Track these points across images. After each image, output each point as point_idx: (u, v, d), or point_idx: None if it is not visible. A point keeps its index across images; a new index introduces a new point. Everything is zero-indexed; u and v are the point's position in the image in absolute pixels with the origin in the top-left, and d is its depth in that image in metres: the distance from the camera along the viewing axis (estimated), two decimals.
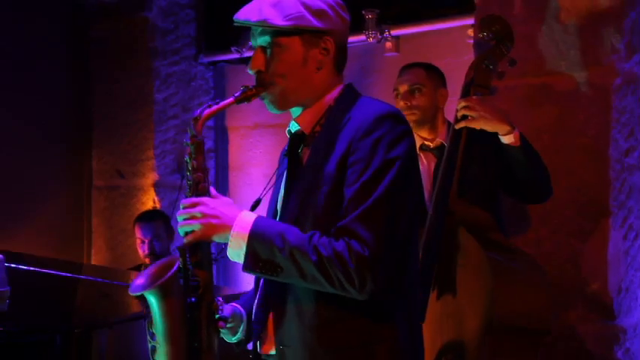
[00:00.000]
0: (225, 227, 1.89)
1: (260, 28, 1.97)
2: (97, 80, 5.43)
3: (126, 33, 5.24)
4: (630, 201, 3.41)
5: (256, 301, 2.05)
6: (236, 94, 1.98)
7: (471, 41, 3.96)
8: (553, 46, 3.49)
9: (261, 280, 2.03)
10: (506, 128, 2.99)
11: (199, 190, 1.96)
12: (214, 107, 1.98)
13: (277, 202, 2.07)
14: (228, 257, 1.92)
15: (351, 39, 4.82)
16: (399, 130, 1.90)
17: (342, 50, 2.04)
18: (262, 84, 1.98)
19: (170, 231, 4.63)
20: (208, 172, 1.99)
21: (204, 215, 1.90)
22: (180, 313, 1.93)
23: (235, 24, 2.01)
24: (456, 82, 3.44)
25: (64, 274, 3.69)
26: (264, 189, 2.11)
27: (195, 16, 5.28)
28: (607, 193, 3.36)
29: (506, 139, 3.00)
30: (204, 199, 1.93)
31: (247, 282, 4.10)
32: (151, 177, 5.21)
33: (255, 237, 1.86)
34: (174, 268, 1.93)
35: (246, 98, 1.98)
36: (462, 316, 2.87)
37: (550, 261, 3.38)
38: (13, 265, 3.53)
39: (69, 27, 5.43)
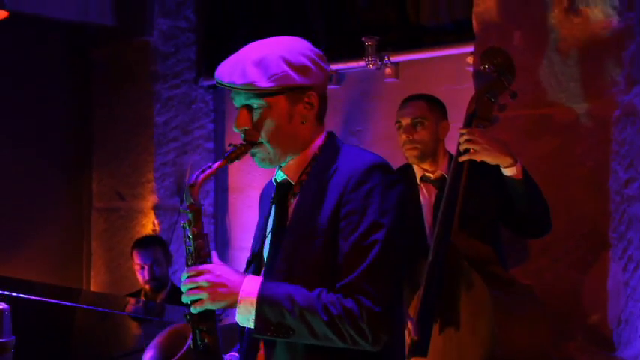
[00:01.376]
0: (233, 294, 1.90)
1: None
2: (98, 103, 5.45)
3: (126, 56, 5.26)
4: (630, 232, 3.42)
5: (244, 344, 2.06)
6: (226, 154, 1.98)
7: (471, 69, 3.98)
8: (552, 78, 3.50)
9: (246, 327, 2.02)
10: (509, 161, 2.99)
11: (202, 256, 1.96)
12: (208, 172, 1.97)
13: (261, 249, 2.08)
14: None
15: (351, 65, 4.90)
16: (389, 180, 1.93)
17: (323, 100, 2.05)
18: (250, 141, 1.98)
19: (168, 256, 4.64)
20: (208, 237, 1.99)
21: (211, 284, 1.91)
22: None
23: (219, 84, 2.01)
24: (454, 109, 3.46)
25: (64, 302, 3.67)
26: (255, 244, 2.10)
27: (196, 40, 5.30)
28: (606, 225, 3.37)
29: (508, 172, 3.01)
30: (209, 266, 1.94)
31: None
32: (151, 200, 5.22)
33: (264, 301, 1.87)
34: (189, 341, 1.93)
35: (237, 157, 1.98)
36: (464, 350, 2.88)
37: (550, 292, 3.39)
38: (14, 294, 3.56)
39: (69, 50, 5.45)
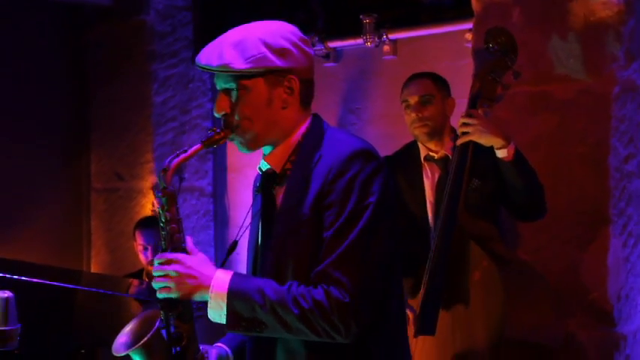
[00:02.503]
0: (202, 287, 1.87)
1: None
2: (95, 83, 5.42)
3: (123, 36, 5.23)
4: (630, 208, 3.43)
5: (249, 345, 2.04)
6: (203, 139, 1.93)
7: (469, 45, 3.97)
8: (552, 54, 3.49)
9: None
10: (501, 142, 2.99)
11: (175, 241, 1.92)
12: (182, 156, 1.93)
13: (257, 240, 2.05)
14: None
15: (349, 42, 4.88)
16: (370, 168, 1.87)
17: (307, 86, 1.99)
18: (229, 127, 1.93)
19: None
20: (182, 222, 1.95)
21: (180, 275, 1.87)
22: None
23: (198, 67, 1.97)
24: (453, 86, 3.45)
25: (63, 284, 3.67)
26: (239, 231, 2.06)
27: (192, 18, 5.27)
28: (607, 201, 3.37)
29: (499, 153, 3.00)
30: (180, 256, 1.90)
31: None
32: (150, 180, 5.20)
33: (234, 295, 1.84)
34: (156, 325, 1.92)
35: (214, 142, 1.93)
36: (472, 328, 2.89)
37: (550, 268, 3.40)
38: (13, 277, 3.56)
39: (66, 30, 5.42)
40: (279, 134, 1.96)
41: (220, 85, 1.96)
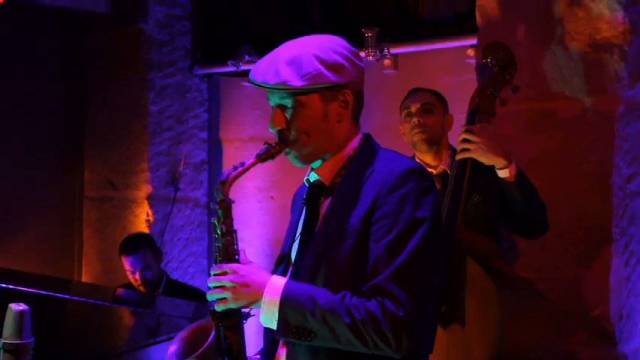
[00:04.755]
0: (256, 295, 1.90)
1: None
2: (92, 91, 5.39)
3: (121, 44, 5.20)
4: (632, 227, 3.43)
5: (264, 346, 2.06)
6: (259, 153, 1.97)
7: (471, 61, 3.97)
8: (557, 72, 3.50)
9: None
10: (503, 162, 2.99)
11: (229, 253, 1.96)
12: (240, 169, 1.96)
13: (290, 250, 2.06)
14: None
15: None
16: (424, 186, 1.90)
17: (359, 98, 2.03)
18: (285, 142, 1.98)
19: (158, 254, 4.55)
20: (237, 233, 1.98)
21: (235, 284, 1.90)
22: None
23: (253, 84, 2.00)
24: (454, 101, 3.46)
25: (59, 295, 3.63)
26: (285, 243, 2.09)
27: (191, 28, 5.25)
28: (609, 220, 3.37)
29: (501, 174, 3.00)
30: (234, 266, 1.93)
31: None
32: (145, 189, 5.17)
33: (287, 302, 1.86)
34: (211, 337, 1.94)
35: (270, 156, 1.97)
36: (469, 347, 2.87)
37: (551, 286, 3.39)
38: (10, 287, 3.51)
39: (63, 37, 5.38)
40: (333, 147, 2.00)
41: (275, 101, 1.99)
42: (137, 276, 4.41)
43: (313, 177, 2.04)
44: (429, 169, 3.27)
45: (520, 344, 2.86)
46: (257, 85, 1.97)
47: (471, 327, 2.87)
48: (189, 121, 5.27)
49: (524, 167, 3.30)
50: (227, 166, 5.35)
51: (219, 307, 1.92)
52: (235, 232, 1.98)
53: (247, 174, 5.55)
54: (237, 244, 1.97)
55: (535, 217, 3.09)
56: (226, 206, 1.96)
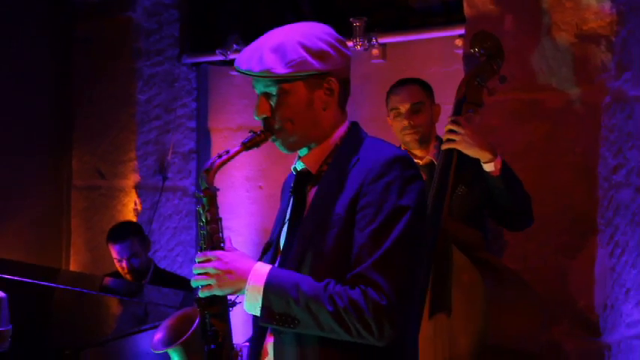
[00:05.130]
0: (240, 282, 1.90)
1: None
2: (79, 79, 5.35)
3: (109, 33, 5.16)
4: (617, 218, 3.44)
5: (252, 334, 2.05)
6: (244, 141, 1.97)
7: (459, 51, 3.96)
8: (543, 62, 3.49)
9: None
10: (488, 156, 2.99)
11: (214, 241, 1.96)
12: (224, 157, 1.97)
13: (278, 238, 2.07)
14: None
15: None
16: (409, 174, 1.90)
17: (345, 86, 2.03)
18: (270, 129, 1.97)
19: (146, 242, 4.55)
20: (221, 221, 1.99)
21: (219, 271, 1.90)
22: None
23: (238, 72, 2.00)
24: (442, 91, 3.45)
25: (44, 283, 3.62)
26: (274, 231, 2.09)
27: (179, 17, 5.21)
28: (595, 210, 3.37)
29: (486, 167, 3.01)
30: (218, 253, 1.94)
31: None
32: (133, 178, 5.15)
33: (270, 289, 1.86)
34: (195, 323, 1.94)
35: (255, 144, 1.97)
36: (454, 336, 2.88)
37: (536, 277, 3.40)
38: None
39: (52, 26, 5.34)
40: (319, 135, 2.00)
41: (260, 89, 1.99)
42: (124, 264, 4.40)
43: (300, 165, 2.04)
44: (416, 160, 3.26)
45: (505, 334, 2.87)
46: (242, 72, 1.97)
47: (457, 316, 2.88)
48: (177, 110, 5.25)
49: (511, 158, 3.30)
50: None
51: (202, 294, 1.92)
52: (220, 219, 1.98)
53: (235, 163, 5.54)
54: (222, 232, 1.97)
55: (520, 210, 3.09)
56: (211, 194, 1.96)
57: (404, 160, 1.92)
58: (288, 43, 1.94)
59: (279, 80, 1.94)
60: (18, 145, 5.19)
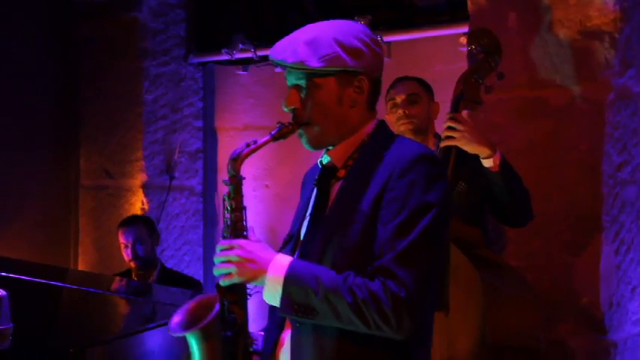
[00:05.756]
0: (261, 271, 1.90)
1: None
2: (86, 79, 5.37)
3: (115, 33, 5.18)
4: (622, 215, 3.42)
5: (268, 324, 2.07)
6: (273, 132, 1.97)
7: (464, 49, 3.95)
8: (547, 60, 3.49)
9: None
10: (487, 152, 2.99)
11: (237, 229, 1.97)
12: (253, 146, 1.97)
13: (299, 230, 2.07)
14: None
15: None
16: (434, 172, 1.91)
17: (376, 86, 2.04)
18: (299, 121, 1.99)
19: (154, 235, 4.59)
20: (246, 211, 1.99)
21: (241, 259, 1.91)
22: (218, 352, 1.97)
23: (271, 63, 2.02)
24: (447, 89, 3.44)
25: (51, 282, 3.64)
26: (294, 224, 2.10)
27: (186, 17, 5.23)
28: (600, 208, 3.36)
29: (485, 163, 3.00)
30: (241, 241, 1.94)
31: None
32: (140, 178, 5.17)
33: (291, 280, 1.87)
34: (215, 310, 1.95)
35: (282, 135, 1.98)
36: (453, 334, 2.87)
37: (542, 274, 3.40)
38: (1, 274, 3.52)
39: (58, 26, 5.36)
40: (345, 132, 2.01)
41: (292, 81, 2.00)
42: (129, 250, 4.45)
43: (326, 159, 2.05)
44: None
45: (504, 331, 2.87)
46: (276, 63, 2.00)
47: (455, 315, 2.88)
48: (183, 109, 5.26)
49: (514, 155, 3.30)
50: (222, 154, 5.35)
51: (224, 282, 1.93)
52: (245, 208, 1.99)
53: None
54: (246, 221, 1.98)
55: (519, 206, 3.09)
56: (237, 182, 1.97)
57: (430, 157, 1.93)
58: (323, 37, 1.95)
59: (311, 73, 1.95)
60: (26, 145, 5.22)
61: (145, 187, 5.16)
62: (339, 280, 1.84)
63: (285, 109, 2.01)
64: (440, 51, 4.30)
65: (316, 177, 2.08)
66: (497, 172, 2.98)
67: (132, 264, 4.51)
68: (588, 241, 3.38)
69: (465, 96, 3.10)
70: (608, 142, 3.37)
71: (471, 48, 3.16)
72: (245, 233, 1.97)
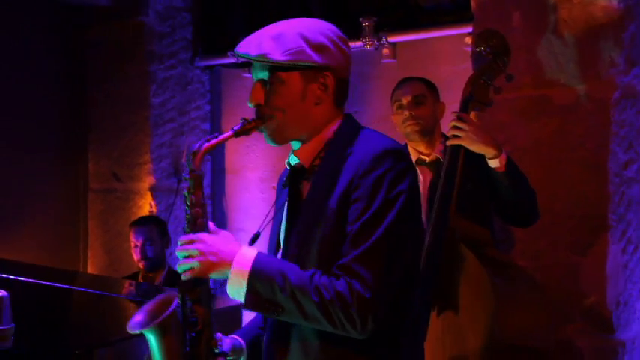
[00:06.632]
0: (224, 264, 1.87)
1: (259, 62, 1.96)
2: (94, 83, 5.40)
3: (122, 37, 5.21)
4: (629, 214, 3.41)
5: (265, 336, 2.05)
6: (235, 128, 1.96)
7: (469, 49, 3.95)
8: (552, 59, 3.48)
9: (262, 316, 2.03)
10: (492, 152, 2.98)
11: (198, 225, 1.94)
12: (213, 141, 1.96)
13: (278, 234, 2.07)
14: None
15: None
16: (400, 168, 1.88)
17: (342, 85, 2.02)
18: (261, 117, 1.96)
19: (166, 236, 4.62)
20: (207, 206, 1.97)
21: (202, 253, 1.88)
22: (179, 350, 1.93)
23: (236, 57, 1.99)
24: (452, 90, 3.45)
25: (58, 284, 3.65)
26: (263, 222, 2.08)
27: (192, 20, 5.26)
28: (606, 207, 3.36)
29: (491, 163, 3.00)
30: (202, 235, 1.91)
31: None
32: (148, 181, 5.19)
33: (256, 275, 1.84)
34: (173, 305, 1.92)
35: (245, 131, 1.96)
36: (463, 333, 2.87)
37: (549, 274, 3.39)
38: (3, 276, 3.54)
39: (65, 30, 5.39)
40: (309, 130, 1.99)
41: (256, 75, 1.99)
42: (138, 250, 4.47)
43: (293, 160, 2.04)
44: (422, 157, 3.27)
45: (513, 331, 2.86)
46: (239, 56, 1.97)
47: (465, 314, 2.87)
48: (191, 112, 5.28)
49: (520, 155, 3.30)
50: (231, 158, 5.36)
51: (185, 277, 1.90)
52: (205, 204, 1.97)
53: (249, 165, 5.56)
54: (206, 217, 1.95)
55: (525, 206, 3.08)
56: (197, 177, 1.95)
57: (395, 152, 1.90)
58: (288, 32, 1.94)
59: (275, 67, 1.94)
60: (36, 149, 5.26)
61: (153, 190, 5.18)
62: (306, 278, 1.83)
63: (250, 105, 1.99)
64: (445, 51, 4.30)
65: (284, 179, 2.07)
66: (503, 173, 2.98)
67: (140, 264, 4.53)
68: (595, 240, 3.38)
69: (474, 97, 3.09)
70: (614, 140, 3.36)
71: (480, 49, 3.14)
72: (205, 229, 1.93)
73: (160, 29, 5.14)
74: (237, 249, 1.89)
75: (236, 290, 1.87)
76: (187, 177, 1.96)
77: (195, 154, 1.95)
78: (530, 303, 2.94)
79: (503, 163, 2.97)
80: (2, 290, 1.98)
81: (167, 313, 1.91)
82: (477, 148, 2.98)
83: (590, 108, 3.40)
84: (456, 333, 2.89)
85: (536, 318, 2.93)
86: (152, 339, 1.93)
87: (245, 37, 2.02)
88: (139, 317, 1.95)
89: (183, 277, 1.90)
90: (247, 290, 1.84)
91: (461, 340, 2.88)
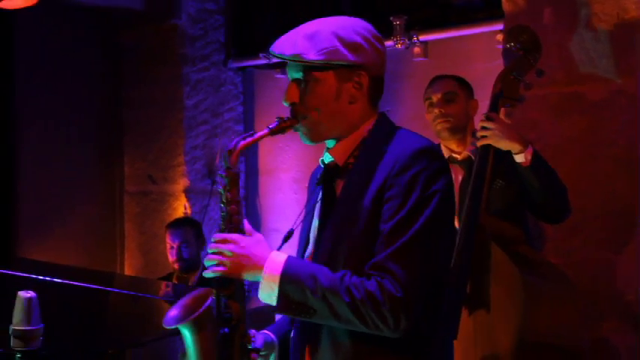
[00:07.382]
0: (256, 268, 1.88)
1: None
2: (128, 87, 5.47)
3: (156, 40, 5.27)
4: None
5: (293, 332, 2.06)
6: (270, 126, 1.97)
7: (500, 47, 3.93)
8: (584, 55, 3.45)
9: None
10: (518, 147, 2.96)
11: (233, 222, 1.94)
12: (249, 139, 1.96)
13: (309, 231, 2.07)
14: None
15: None
16: (435, 167, 1.88)
17: (377, 83, 2.01)
18: (296, 116, 1.97)
19: (201, 238, 4.67)
20: (242, 203, 1.97)
21: (234, 254, 1.89)
22: (213, 345, 1.93)
23: (271, 56, 2.02)
24: (485, 87, 3.42)
25: (92, 286, 3.70)
26: (296, 220, 2.09)
27: (224, 22, 5.30)
28: (638, 203, 3.32)
29: (517, 158, 2.98)
30: (236, 236, 1.91)
31: None
32: (182, 183, 5.24)
33: (287, 279, 1.85)
34: (209, 301, 1.93)
35: (281, 130, 1.97)
36: (495, 332, 2.85)
37: (582, 271, 3.36)
38: (40, 278, 3.59)
39: (100, 35, 5.47)
40: (343, 128, 1.99)
41: (291, 74, 2.00)
42: (174, 251, 4.52)
43: (327, 158, 2.04)
44: (454, 155, 3.26)
45: (545, 330, 2.84)
46: (274, 56, 1.98)
47: (496, 313, 2.86)
48: (224, 114, 5.33)
49: (552, 151, 3.27)
50: (264, 159, 5.39)
51: (207, 274, 1.90)
52: (240, 201, 1.96)
53: (282, 165, 5.56)
54: (241, 214, 1.96)
55: (554, 201, 3.05)
56: (233, 174, 1.95)
57: (430, 152, 1.90)
58: (322, 31, 1.95)
59: (309, 67, 1.94)
60: (72, 153, 5.34)
61: (188, 191, 5.23)
62: (336, 280, 1.83)
63: (285, 104, 2.00)
64: (477, 49, 4.28)
65: (318, 177, 2.07)
66: (528, 167, 2.96)
67: (175, 265, 4.58)
68: (627, 237, 3.34)
69: (504, 93, 3.08)
70: None
71: (510, 45, 3.13)
72: (241, 227, 1.94)
73: (192, 32, 5.19)
74: (268, 253, 1.90)
75: (267, 295, 1.88)
76: (223, 174, 1.96)
77: (231, 151, 1.95)
78: (562, 301, 2.92)
79: (529, 157, 2.95)
80: (31, 291, 2.01)
81: (203, 308, 1.93)
82: (503, 144, 2.96)
83: (623, 104, 3.36)
84: (488, 332, 2.88)
85: (569, 316, 2.90)
86: (187, 335, 1.95)
87: (277, 38, 2.03)
88: (174, 312, 1.97)
89: (205, 273, 1.91)
90: (279, 294, 1.85)
91: (492, 339, 2.87)
